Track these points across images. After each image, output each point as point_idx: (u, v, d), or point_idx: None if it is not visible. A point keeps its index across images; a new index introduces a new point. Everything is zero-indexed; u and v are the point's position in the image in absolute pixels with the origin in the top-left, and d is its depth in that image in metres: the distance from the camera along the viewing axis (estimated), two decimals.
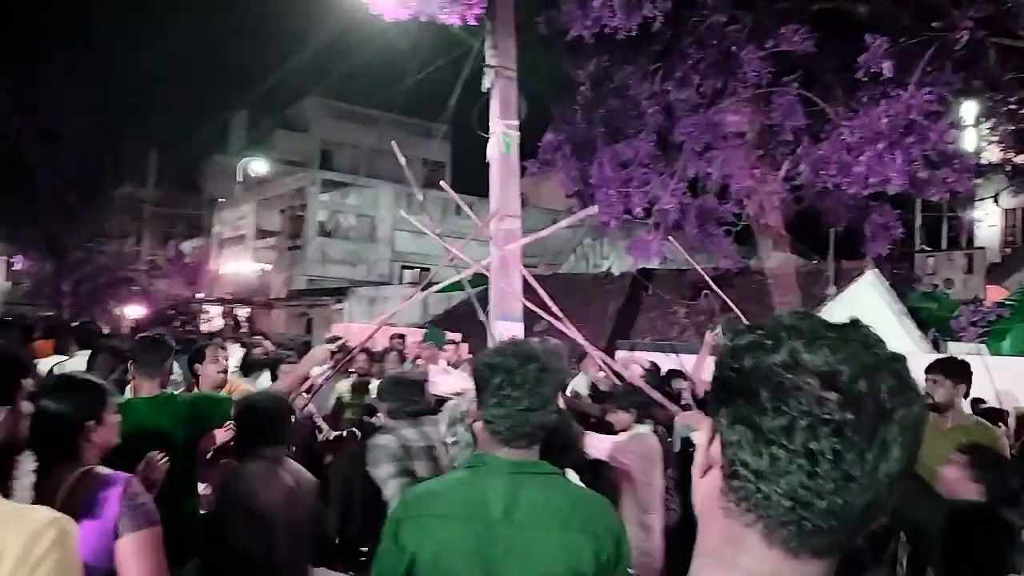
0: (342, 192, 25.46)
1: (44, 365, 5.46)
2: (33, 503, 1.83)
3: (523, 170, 9.75)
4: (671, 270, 15.61)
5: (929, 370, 3.90)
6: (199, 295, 26.44)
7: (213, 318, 24.13)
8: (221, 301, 25.96)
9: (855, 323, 0.76)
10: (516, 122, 8.40)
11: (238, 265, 27.87)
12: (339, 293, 20.97)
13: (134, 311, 22.97)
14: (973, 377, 4.02)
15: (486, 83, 8.29)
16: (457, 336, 10.13)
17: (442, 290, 23.21)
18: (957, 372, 3.94)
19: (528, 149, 10.58)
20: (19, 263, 30.22)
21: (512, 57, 8.32)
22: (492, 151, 8.45)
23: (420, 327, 18.07)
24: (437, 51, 9.26)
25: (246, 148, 31.89)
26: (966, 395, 4.05)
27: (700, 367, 5.32)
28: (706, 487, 0.79)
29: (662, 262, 13.67)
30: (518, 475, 1.82)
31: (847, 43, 9.12)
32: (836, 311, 11.73)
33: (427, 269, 25.87)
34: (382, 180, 27.05)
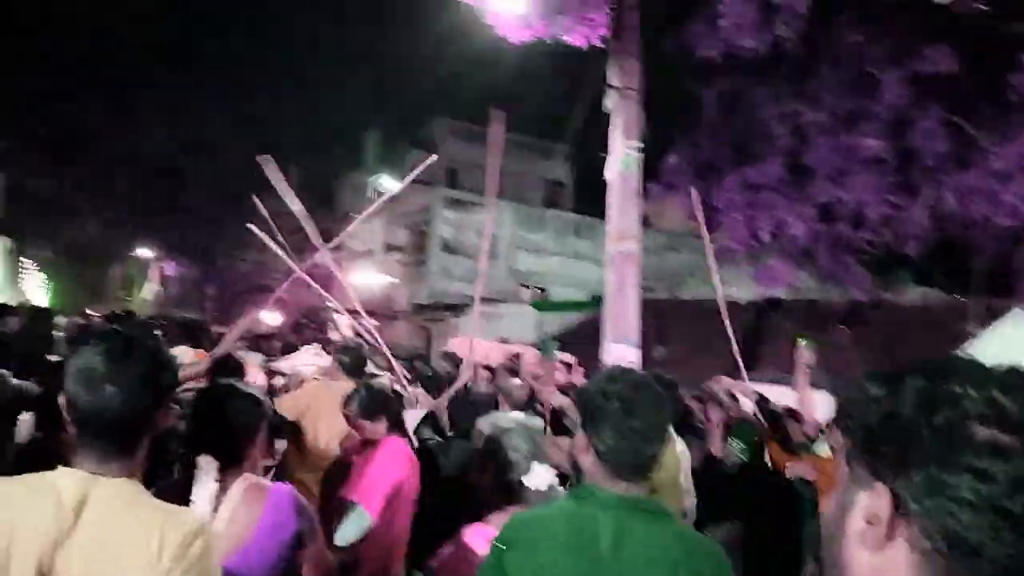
0: (466, 210, 26.07)
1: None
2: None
3: (646, 192, 9.62)
4: (799, 300, 14.94)
5: None
6: (329, 305, 27.67)
7: (341, 327, 25.19)
8: (349, 311, 27.05)
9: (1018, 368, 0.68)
10: (638, 143, 8.30)
11: (366, 277, 28.98)
12: (458, 308, 21.39)
13: (271, 317, 24.27)
14: None
15: (608, 103, 8.26)
16: (570, 358, 10.05)
17: (558, 309, 23.22)
18: None
19: (650, 171, 10.44)
20: (170, 269, 32.87)
21: (635, 77, 8.24)
22: (611, 172, 8.39)
23: (535, 345, 18.12)
24: (560, 72, 9.33)
25: (378, 166, 33.23)
26: None
27: (805, 392, 5.07)
28: (886, 562, 0.69)
29: (790, 291, 13.13)
30: (627, 511, 1.76)
31: (997, 63, 8.47)
32: (980, 351, 10.79)
33: (543, 288, 25.99)
34: (504, 199, 27.46)
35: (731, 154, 11.46)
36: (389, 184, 30.20)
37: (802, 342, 5.30)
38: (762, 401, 5.99)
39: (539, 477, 2.32)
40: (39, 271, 24.01)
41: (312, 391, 4.52)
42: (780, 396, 7.04)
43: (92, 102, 21.06)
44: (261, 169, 5.00)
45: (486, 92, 11.93)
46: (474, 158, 34.29)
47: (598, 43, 7.87)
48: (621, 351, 8.58)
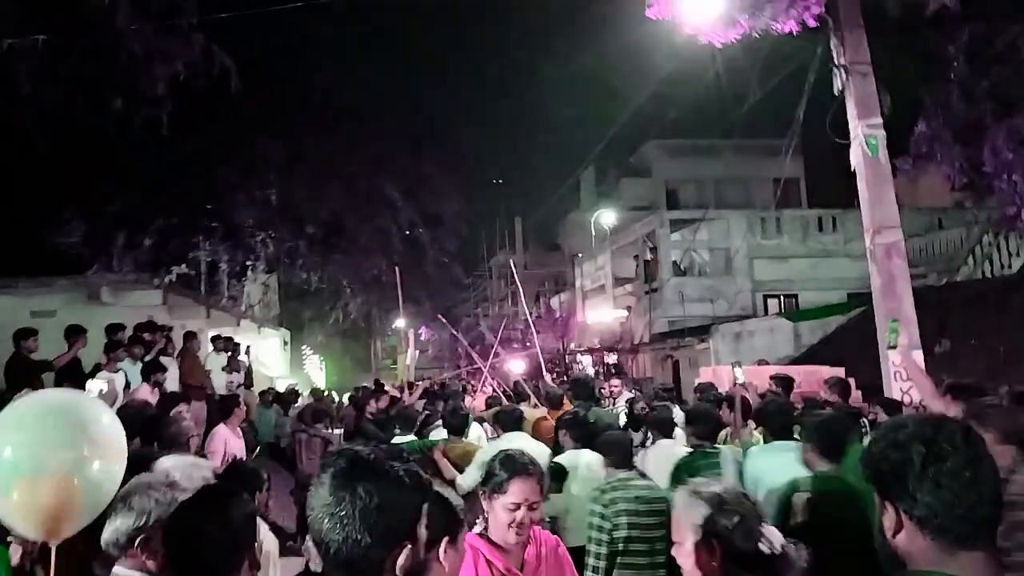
0: (692, 228, 25.22)
1: None
2: None
3: (893, 169, 8.54)
4: None
5: None
6: (570, 346, 28.03)
7: (585, 367, 25.31)
8: (590, 350, 27.18)
9: None
10: (879, 120, 7.37)
11: (601, 314, 29.01)
12: (702, 332, 20.52)
13: (516, 366, 25.04)
14: None
15: (837, 84, 7.43)
16: (839, 371, 9.02)
17: (814, 316, 21.50)
18: None
19: (895, 146, 9.29)
20: (424, 334, 35.39)
21: (864, 50, 7.36)
22: (856, 157, 7.51)
23: (794, 362, 16.78)
24: (773, 64, 8.61)
25: (597, 201, 33.48)
26: None
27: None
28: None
29: None
30: None
31: None
32: None
33: (793, 296, 24.20)
34: (732, 209, 26.24)
35: (994, 107, 9.90)
36: (608, 218, 30.26)
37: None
38: None
39: (774, 540, 1.96)
40: (314, 354, 26.81)
41: None
42: None
43: (344, 197, 23.41)
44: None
45: (693, 105, 11.42)
46: (691, 173, 33.46)
47: (813, 23, 7.13)
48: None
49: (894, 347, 4.49)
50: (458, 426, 5.88)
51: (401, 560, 1.32)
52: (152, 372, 7.58)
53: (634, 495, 3.54)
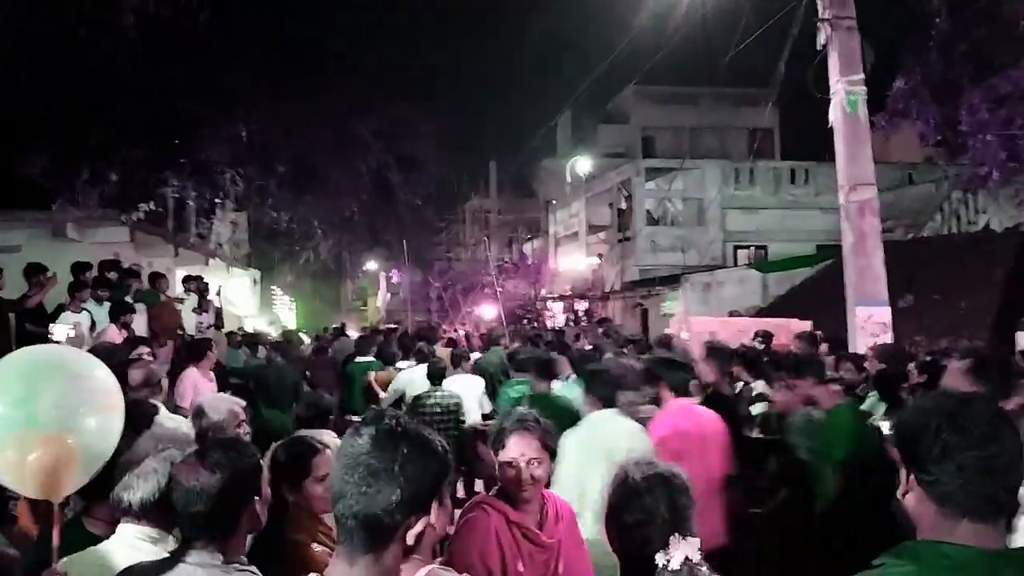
0: (667, 178, 25.21)
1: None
2: None
3: (871, 124, 8.59)
4: None
5: None
6: (542, 292, 28.15)
7: (556, 314, 25.48)
8: (561, 297, 27.33)
9: None
10: (861, 76, 7.36)
11: (573, 261, 29.08)
12: (672, 281, 20.71)
13: (488, 311, 25.07)
14: None
15: (821, 39, 7.38)
16: (806, 324, 9.18)
17: (783, 268, 21.66)
18: None
19: (871, 102, 9.32)
20: (395, 276, 35.27)
21: (850, 5, 7.30)
22: (835, 113, 7.51)
23: (761, 312, 17.05)
24: (757, 15, 8.51)
25: (573, 148, 33.20)
26: None
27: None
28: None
29: None
30: (1001, 569, 1.33)
31: None
32: None
33: (763, 247, 24.45)
34: (707, 159, 26.22)
35: (972, 67, 9.94)
36: (584, 165, 30.09)
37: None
38: None
39: (676, 554, 1.75)
40: (284, 294, 26.58)
41: None
42: None
43: (316, 136, 22.92)
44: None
45: (676, 52, 11.26)
46: (668, 121, 33.23)
47: None
48: (869, 313, 7.70)
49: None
50: (386, 357, 8.61)
51: (417, 528, 1.32)
52: (121, 313, 7.45)
53: (436, 400, 6.32)
